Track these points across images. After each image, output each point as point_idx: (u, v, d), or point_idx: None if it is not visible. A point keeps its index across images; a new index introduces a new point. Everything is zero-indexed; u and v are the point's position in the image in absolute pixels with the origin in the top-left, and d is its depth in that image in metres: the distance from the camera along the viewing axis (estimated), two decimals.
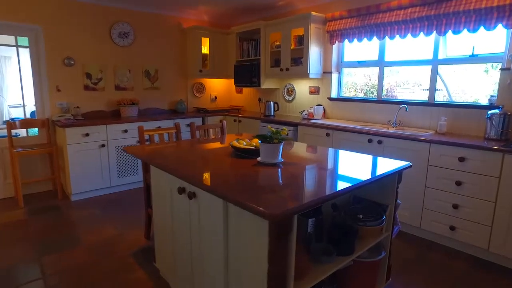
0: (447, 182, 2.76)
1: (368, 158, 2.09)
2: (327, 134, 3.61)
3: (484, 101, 3.12)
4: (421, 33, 3.25)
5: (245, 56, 4.97)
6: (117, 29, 4.51)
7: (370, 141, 3.24)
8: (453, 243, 2.82)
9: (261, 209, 1.15)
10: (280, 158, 1.85)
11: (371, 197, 2.01)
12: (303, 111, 4.37)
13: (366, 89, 4.10)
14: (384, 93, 3.88)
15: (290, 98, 4.77)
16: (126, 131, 4.14)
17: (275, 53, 4.52)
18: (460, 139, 2.84)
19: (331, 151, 2.29)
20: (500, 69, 2.95)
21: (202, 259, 1.68)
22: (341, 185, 1.47)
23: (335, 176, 1.66)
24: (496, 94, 2.98)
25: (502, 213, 2.50)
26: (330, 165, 1.91)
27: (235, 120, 4.88)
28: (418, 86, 3.62)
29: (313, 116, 4.21)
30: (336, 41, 4.02)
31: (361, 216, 1.82)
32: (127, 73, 4.70)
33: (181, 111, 5.10)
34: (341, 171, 1.77)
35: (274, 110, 4.63)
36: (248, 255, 1.36)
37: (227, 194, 1.32)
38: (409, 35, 3.34)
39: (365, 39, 3.73)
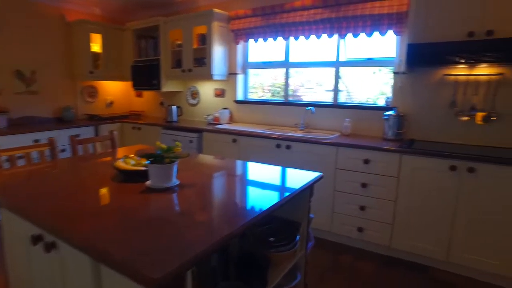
0: (354, 185, 2.78)
1: (278, 170, 1.91)
2: (234, 140, 3.39)
3: (382, 103, 3.26)
4: (324, 35, 3.26)
5: (144, 56, 4.46)
6: None
7: (278, 146, 3.12)
8: (362, 243, 2.87)
9: (135, 271, 0.83)
10: (175, 180, 1.52)
11: (282, 214, 1.83)
12: (209, 115, 4.09)
13: (273, 90, 4.02)
14: (290, 92, 3.83)
15: (195, 102, 4.43)
16: None
17: (176, 53, 4.14)
18: (363, 140, 2.90)
19: (237, 164, 2.05)
20: (393, 73, 3.11)
21: None
22: (250, 213, 1.22)
23: (243, 200, 1.41)
24: (391, 97, 3.13)
25: (401, 210, 2.60)
26: (236, 184, 1.66)
27: (134, 128, 4.34)
28: (323, 87, 3.66)
29: (219, 120, 3.96)
30: (241, 41, 3.84)
31: (272, 240, 1.61)
32: None
33: (68, 119, 4.33)
34: (250, 191, 1.53)
35: (178, 115, 4.24)
36: None
37: (89, 245, 0.96)
38: (313, 36, 3.32)
39: (270, 39, 3.62)
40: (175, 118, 4.18)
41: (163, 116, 4.61)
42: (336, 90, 3.48)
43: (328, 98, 3.57)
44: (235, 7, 3.84)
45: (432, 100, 2.92)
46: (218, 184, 1.64)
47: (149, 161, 1.47)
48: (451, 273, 2.51)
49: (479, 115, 2.73)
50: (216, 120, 3.95)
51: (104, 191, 1.48)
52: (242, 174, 1.85)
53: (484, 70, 2.70)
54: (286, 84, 3.80)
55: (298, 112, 3.61)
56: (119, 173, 1.69)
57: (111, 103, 5.03)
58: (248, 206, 1.32)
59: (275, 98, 3.98)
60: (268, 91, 4.07)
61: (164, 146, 1.52)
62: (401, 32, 2.93)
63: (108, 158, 2.15)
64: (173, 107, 4.18)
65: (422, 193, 2.51)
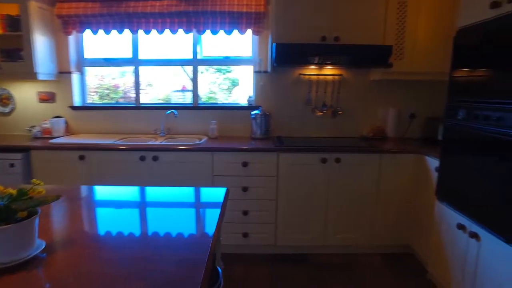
0: (234, 190, 2.63)
1: (175, 192, 1.54)
2: (81, 157, 2.65)
3: (245, 102, 3.24)
4: (181, 30, 2.94)
5: None
6: None
7: (143, 158, 2.63)
8: (250, 248, 2.76)
9: None
10: (38, 243, 0.96)
11: None
12: (33, 127, 3.08)
13: (101, 92, 3.42)
14: (121, 94, 3.34)
15: (7, 110, 3.25)
16: None
17: None
18: (233, 142, 2.80)
19: (117, 193, 1.55)
20: (253, 72, 3.12)
21: None
22: (195, 261, 0.86)
23: (168, 248, 1.01)
24: (253, 96, 3.15)
25: (282, 208, 2.65)
26: (138, 223, 1.21)
27: None
28: (176, 86, 3.36)
29: (51, 133, 3.04)
30: (74, 31, 3.03)
31: None
32: None
33: None
34: (167, 230, 1.13)
35: None
36: None
37: None
38: (167, 30, 2.95)
39: (114, 31, 3.00)
40: None
41: None
42: (195, 91, 3.24)
43: (188, 100, 3.29)
44: None
45: (291, 98, 3.10)
46: (113, 232, 1.15)
47: None
48: (329, 254, 2.74)
49: (329, 110, 3.09)
50: (47, 133, 3.01)
51: None
52: (135, 206, 1.38)
53: (329, 71, 3.04)
54: (137, 85, 3.27)
55: (154, 116, 3.17)
56: None
57: None
58: (183, 253, 0.95)
59: (106, 102, 3.42)
60: (94, 94, 3.42)
61: (11, 190, 0.92)
62: (259, 32, 2.97)
63: None
64: None
65: (299, 187, 2.62)
